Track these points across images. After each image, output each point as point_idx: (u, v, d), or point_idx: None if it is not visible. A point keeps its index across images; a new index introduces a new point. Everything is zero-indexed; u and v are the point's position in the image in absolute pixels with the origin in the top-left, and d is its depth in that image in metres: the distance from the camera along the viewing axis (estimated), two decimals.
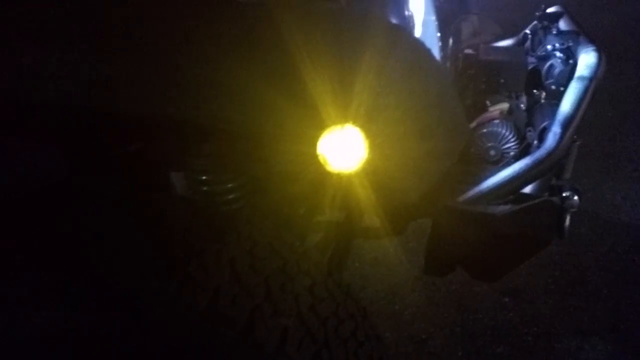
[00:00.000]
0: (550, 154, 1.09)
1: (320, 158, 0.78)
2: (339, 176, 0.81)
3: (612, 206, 2.78)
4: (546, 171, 1.12)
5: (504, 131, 1.44)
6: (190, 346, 0.84)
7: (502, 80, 1.59)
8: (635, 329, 2.16)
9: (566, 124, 1.13)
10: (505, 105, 1.53)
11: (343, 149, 0.77)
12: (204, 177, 1.33)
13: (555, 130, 1.13)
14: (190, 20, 0.77)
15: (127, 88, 0.87)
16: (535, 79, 1.57)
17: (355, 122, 0.74)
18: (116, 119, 1.10)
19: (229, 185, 1.34)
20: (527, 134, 1.47)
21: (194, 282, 0.87)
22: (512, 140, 1.44)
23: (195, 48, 0.77)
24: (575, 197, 1.27)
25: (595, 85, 1.19)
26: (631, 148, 3.18)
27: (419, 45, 0.87)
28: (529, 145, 1.45)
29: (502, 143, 1.43)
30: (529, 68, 1.61)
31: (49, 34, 0.81)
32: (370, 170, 0.80)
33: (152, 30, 0.79)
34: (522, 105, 1.56)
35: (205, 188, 1.36)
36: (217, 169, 1.29)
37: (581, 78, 1.22)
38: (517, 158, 1.45)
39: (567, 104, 1.17)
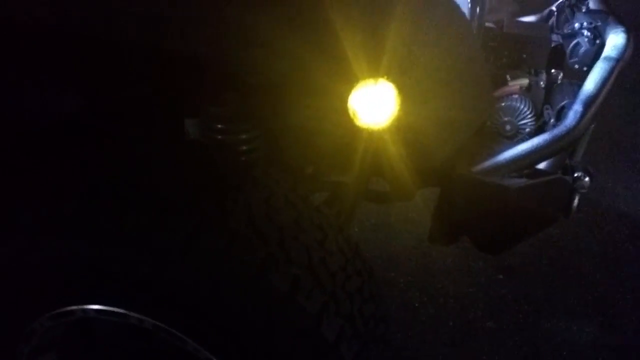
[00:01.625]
0: (570, 131, 1.09)
1: (351, 112, 0.78)
2: (368, 132, 0.81)
3: (613, 194, 2.80)
4: (564, 148, 1.12)
5: (521, 106, 1.43)
6: (204, 285, 0.86)
7: (524, 56, 1.57)
8: (624, 315, 2.21)
9: (588, 103, 1.12)
10: (525, 81, 1.52)
11: (375, 103, 0.76)
12: (220, 126, 1.32)
13: (576, 109, 1.12)
14: None
15: (149, 22, 0.85)
16: (558, 57, 1.55)
17: (388, 77, 0.73)
18: (133, 54, 1.08)
19: (245, 136, 1.33)
20: (544, 111, 1.46)
21: (211, 224, 0.88)
22: (529, 116, 1.43)
23: None
24: (587, 179, 1.28)
25: (621, 68, 1.18)
26: (637, 137, 3.18)
27: (451, 6, 0.86)
28: (545, 123, 1.45)
29: (518, 118, 1.42)
30: (553, 45, 1.59)
31: None
32: (400, 127, 0.80)
33: None
34: (541, 83, 1.54)
35: (219, 137, 1.35)
36: (235, 118, 1.28)
37: (608, 58, 1.21)
38: (532, 135, 1.45)
39: (591, 83, 1.17)
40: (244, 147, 1.33)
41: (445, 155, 0.91)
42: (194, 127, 1.43)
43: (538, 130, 1.45)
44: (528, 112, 1.44)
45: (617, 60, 1.19)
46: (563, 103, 1.35)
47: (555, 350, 2.06)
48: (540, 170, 1.18)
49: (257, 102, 1.09)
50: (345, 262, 1.00)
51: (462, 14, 0.86)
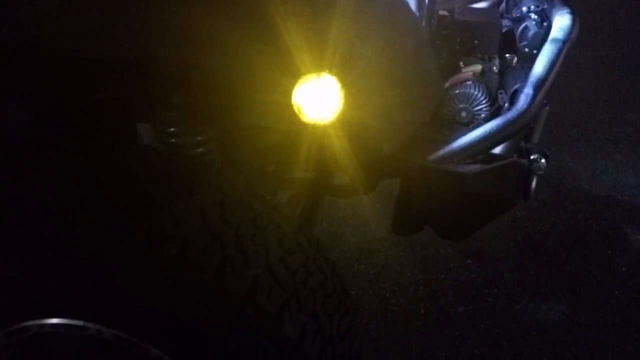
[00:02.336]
0: (521, 115, 1.11)
1: (295, 108, 0.76)
2: (313, 127, 0.80)
3: (574, 174, 2.86)
4: (517, 132, 1.14)
5: (476, 93, 1.44)
6: (160, 295, 0.84)
7: (476, 42, 1.58)
8: (591, 292, 2.26)
9: (538, 85, 1.14)
10: (478, 67, 1.53)
11: (318, 98, 0.75)
12: (172, 129, 1.30)
13: (527, 92, 1.14)
14: None
15: (93, 30, 0.83)
16: (509, 41, 1.57)
17: (331, 71, 0.73)
18: (80, 63, 1.05)
19: (199, 138, 1.31)
20: (498, 96, 1.48)
21: (163, 232, 0.85)
22: (484, 102, 1.45)
23: None
24: (543, 160, 1.30)
25: (568, 48, 1.20)
26: (597, 119, 3.26)
27: None
28: (500, 107, 1.46)
29: (473, 105, 1.44)
30: (503, 30, 1.61)
31: None
32: (345, 121, 0.79)
33: None
34: (494, 68, 1.56)
35: (173, 140, 1.33)
36: (186, 120, 1.26)
37: (555, 40, 1.23)
38: (488, 120, 1.46)
39: (539, 66, 1.18)
40: (199, 149, 1.32)
41: (393, 146, 0.91)
42: (147, 132, 1.40)
43: (494, 115, 1.46)
44: (482, 98, 1.45)
45: (564, 41, 1.21)
46: (515, 87, 1.36)
47: (525, 331, 2.10)
48: (495, 155, 1.19)
49: (207, 102, 1.08)
50: (306, 259, 0.99)
51: (408, 7, 0.86)
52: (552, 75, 1.15)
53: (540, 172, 1.30)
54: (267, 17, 0.71)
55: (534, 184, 1.31)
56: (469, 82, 1.46)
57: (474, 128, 1.32)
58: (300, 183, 1.39)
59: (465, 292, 2.26)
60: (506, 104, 1.43)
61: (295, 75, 0.72)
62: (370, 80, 0.78)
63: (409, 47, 0.84)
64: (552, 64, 1.16)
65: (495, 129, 1.10)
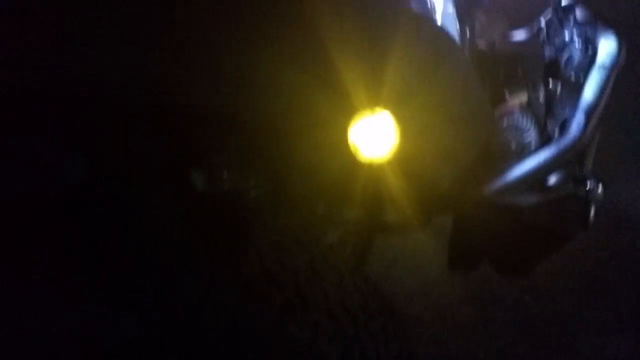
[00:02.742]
0: (575, 142, 1.08)
1: (351, 147, 0.77)
2: (369, 166, 0.80)
3: (629, 199, 2.74)
4: (571, 160, 1.10)
5: (524, 122, 1.42)
6: (223, 340, 0.83)
7: (520, 72, 1.57)
8: None
9: (589, 112, 1.11)
10: (524, 96, 1.51)
11: (374, 135, 0.75)
12: (225, 174, 1.32)
13: (579, 119, 1.11)
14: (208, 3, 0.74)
15: (147, 79, 0.84)
16: (553, 70, 1.55)
17: (387, 107, 0.73)
18: (134, 112, 1.08)
19: (251, 182, 1.32)
20: (548, 125, 1.45)
21: (223, 278, 0.86)
22: (533, 131, 1.42)
23: (213, 33, 0.74)
24: (600, 189, 1.25)
25: (617, 74, 1.17)
26: None
27: (443, 34, 0.86)
28: (550, 137, 1.43)
29: (523, 135, 1.41)
30: (547, 59, 1.59)
31: (68, 24, 0.79)
32: (401, 158, 0.78)
33: (167, 14, 0.77)
34: (540, 97, 1.54)
35: (226, 186, 1.34)
36: (239, 164, 1.27)
37: (602, 66, 1.21)
38: (536, 151, 1.43)
39: (589, 92, 1.16)
40: (252, 194, 1.32)
41: (449, 182, 0.90)
42: (199, 178, 1.42)
43: (544, 145, 1.43)
44: (531, 128, 1.43)
45: (611, 67, 1.19)
46: (565, 115, 1.33)
47: None
48: (551, 186, 1.15)
49: (260, 145, 1.09)
50: (365, 301, 0.97)
51: (454, 42, 0.86)
52: (603, 101, 1.12)
53: (598, 201, 1.26)
54: (321, 57, 0.72)
55: (592, 213, 1.26)
56: (517, 112, 1.44)
57: (525, 158, 1.29)
58: (350, 223, 1.38)
59: (525, 331, 2.16)
60: (556, 133, 1.40)
61: (350, 112, 0.73)
62: (424, 115, 0.78)
63: (459, 81, 0.84)
64: (602, 90, 1.14)
65: (549, 157, 1.08)
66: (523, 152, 1.43)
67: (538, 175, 1.07)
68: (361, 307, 0.95)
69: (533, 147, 1.43)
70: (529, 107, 1.53)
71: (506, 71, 1.60)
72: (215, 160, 1.29)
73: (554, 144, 1.09)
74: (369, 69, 0.71)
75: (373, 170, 0.83)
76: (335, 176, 0.97)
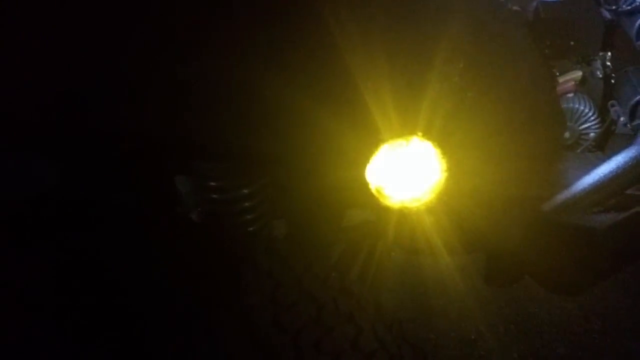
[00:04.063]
0: None
1: (372, 188, 0.52)
2: (401, 212, 0.55)
3: None
4: None
5: (581, 107, 1.16)
6: None
7: (572, 43, 1.29)
8: None
9: None
10: (578, 74, 1.24)
11: (407, 169, 0.51)
12: (212, 183, 1.10)
13: None
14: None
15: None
16: (615, 38, 1.27)
17: (425, 134, 0.48)
18: (110, 115, 0.87)
19: (244, 192, 1.10)
20: (610, 108, 1.18)
21: (202, 348, 0.63)
22: (592, 117, 1.16)
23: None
24: None
25: None
26: None
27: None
28: (614, 122, 1.17)
29: (579, 122, 1.15)
30: (606, 25, 1.30)
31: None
32: (446, 200, 0.54)
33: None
34: (598, 73, 1.26)
35: (215, 196, 1.12)
36: (230, 173, 1.05)
37: None
38: (598, 140, 1.17)
39: None
40: (245, 204, 1.10)
41: (522, 231, 0.65)
42: (185, 185, 1.20)
43: (606, 133, 1.17)
44: (590, 113, 1.16)
45: None
46: (638, 97, 1.06)
47: None
48: (628, 195, 0.90)
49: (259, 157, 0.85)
50: (390, 358, 0.75)
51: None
52: None
53: None
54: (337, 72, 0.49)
55: None
56: (571, 94, 1.18)
57: (588, 156, 1.04)
58: (361, 229, 1.14)
59: (563, 329, 1.93)
60: (622, 119, 1.14)
61: (373, 142, 0.48)
62: (481, 137, 0.53)
63: (525, 79, 0.58)
64: None
65: (631, 162, 0.81)
66: (579, 144, 1.17)
67: (614, 188, 0.82)
68: None
69: (592, 136, 1.17)
70: (583, 85, 1.26)
71: (554, 42, 1.32)
72: (203, 167, 1.08)
73: (636, 145, 0.83)
74: (403, 86, 0.46)
75: (404, 218, 0.58)
76: (354, 224, 0.74)
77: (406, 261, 2.05)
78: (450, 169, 0.52)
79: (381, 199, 0.54)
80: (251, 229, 1.00)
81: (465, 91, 0.50)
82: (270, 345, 0.65)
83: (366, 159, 0.51)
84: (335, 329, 0.70)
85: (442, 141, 0.50)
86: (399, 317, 0.84)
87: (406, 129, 0.48)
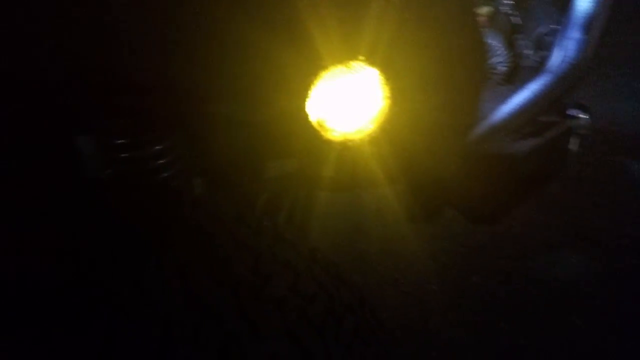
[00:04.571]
0: (575, 66, 0.85)
1: (314, 121, 0.49)
2: (342, 145, 0.52)
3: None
4: (572, 90, 0.88)
5: (491, 42, 1.18)
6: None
7: None
8: (602, 232, 2.10)
9: (588, 25, 0.88)
10: (487, 9, 1.26)
11: (350, 100, 0.47)
12: (120, 141, 1.00)
13: (575, 36, 0.88)
14: None
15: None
16: None
17: (369, 58, 0.45)
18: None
19: (157, 147, 1.02)
20: (516, 42, 1.22)
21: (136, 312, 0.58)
22: (503, 51, 1.19)
23: None
24: (585, 116, 1.06)
25: None
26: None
27: None
28: (520, 55, 1.21)
29: (491, 56, 1.17)
30: None
31: None
32: (388, 130, 0.51)
33: None
34: (505, 6, 1.29)
35: (123, 154, 1.03)
36: (137, 129, 0.96)
37: None
38: (508, 73, 1.21)
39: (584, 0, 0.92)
40: (159, 161, 1.02)
41: (449, 149, 0.65)
42: (88, 144, 1.09)
43: (515, 65, 1.21)
44: (501, 47, 1.19)
45: None
46: (542, 29, 1.10)
47: (548, 292, 1.93)
48: (540, 121, 0.94)
49: (174, 107, 0.78)
50: (331, 301, 0.74)
51: None
52: (604, 10, 0.88)
53: (584, 131, 1.07)
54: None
55: (576, 145, 1.08)
56: (482, 29, 1.20)
57: (501, 86, 1.07)
58: (282, 177, 1.11)
59: (477, 259, 2.06)
60: (529, 52, 1.18)
61: (312, 70, 0.44)
62: (420, 66, 0.50)
63: (454, 12, 0.56)
64: None
65: (543, 89, 0.85)
66: (491, 76, 1.20)
67: (530, 114, 0.85)
68: (327, 311, 0.72)
69: (504, 70, 1.20)
70: (492, 21, 1.29)
71: None
72: (107, 124, 0.97)
73: (547, 72, 0.86)
74: (341, 10, 0.42)
75: (347, 150, 0.56)
76: (292, 158, 0.70)
77: (333, 202, 2.08)
78: (393, 96, 0.50)
79: (323, 133, 0.51)
80: (172, 186, 0.94)
81: (403, 12, 0.47)
82: (209, 302, 0.61)
83: (306, 89, 0.47)
84: (273, 277, 0.68)
85: (385, 66, 0.47)
86: (334, 258, 0.83)
87: (348, 54, 0.45)
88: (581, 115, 1.05)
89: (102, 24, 0.51)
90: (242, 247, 0.69)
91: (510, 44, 1.23)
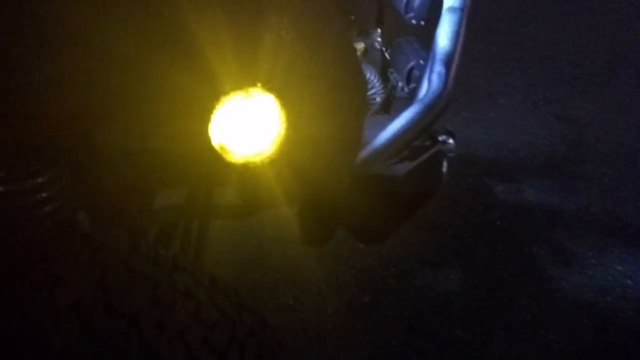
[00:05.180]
0: (440, 96, 0.96)
1: (216, 145, 0.51)
2: (244, 167, 0.55)
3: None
4: (438, 116, 0.99)
5: (368, 75, 1.29)
6: None
7: (353, 17, 1.42)
8: (475, 248, 2.31)
9: (449, 61, 1.01)
10: (361, 45, 1.38)
11: (250, 124, 0.51)
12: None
13: (439, 70, 1.00)
14: None
15: None
16: (388, 13, 1.44)
17: (266, 85, 0.48)
18: None
19: (39, 180, 0.96)
20: (389, 76, 1.34)
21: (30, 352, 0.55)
22: (377, 84, 1.30)
23: None
24: (451, 141, 1.19)
25: (468, 16, 1.09)
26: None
27: None
28: (394, 87, 1.33)
29: (367, 89, 1.28)
30: (378, 2, 1.47)
31: None
32: (286, 152, 0.55)
33: None
34: (376, 44, 1.42)
35: (1, 188, 0.96)
36: (19, 158, 0.90)
37: (452, 9, 1.11)
38: (383, 104, 1.32)
39: (443, 39, 1.05)
40: (40, 195, 0.97)
41: (342, 170, 0.70)
42: None
43: (388, 96, 1.32)
44: (375, 80, 1.30)
45: (462, 8, 1.09)
46: (411, 64, 1.23)
47: (433, 307, 2.07)
48: (414, 146, 1.04)
49: (61, 131, 0.74)
50: (234, 327, 0.75)
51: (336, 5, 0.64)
52: (459, 48, 1.02)
53: (451, 154, 1.20)
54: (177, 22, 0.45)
55: (445, 167, 1.20)
56: None
57: (376, 115, 1.17)
58: (173, 211, 1.10)
59: (366, 279, 2.16)
60: (400, 84, 1.30)
61: (215, 93, 0.47)
62: (313, 91, 0.55)
63: (338, 43, 0.63)
64: (457, 36, 1.04)
65: (416, 117, 0.95)
66: (368, 107, 1.30)
67: (407, 140, 0.94)
68: (231, 338, 0.73)
69: (378, 101, 1.31)
70: (365, 56, 1.41)
71: None
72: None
73: (418, 103, 0.96)
74: (241, 36, 0.46)
75: (247, 172, 0.58)
76: (184, 186, 0.70)
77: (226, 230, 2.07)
78: (289, 121, 0.54)
79: (225, 156, 0.53)
80: (55, 220, 0.89)
81: (294, 47, 0.52)
82: (108, 334, 0.60)
83: (208, 114, 0.49)
84: (174, 306, 0.68)
85: (282, 92, 0.51)
86: (233, 285, 0.84)
87: (247, 81, 0.48)
88: (449, 140, 1.18)
89: None
90: (140, 277, 0.68)
91: (383, 77, 1.35)
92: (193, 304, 0.71)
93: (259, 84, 0.49)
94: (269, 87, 0.50)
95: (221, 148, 0.53)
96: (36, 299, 0.56)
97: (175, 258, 0.78)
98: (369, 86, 1.28)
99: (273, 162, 0.57)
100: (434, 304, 2.07)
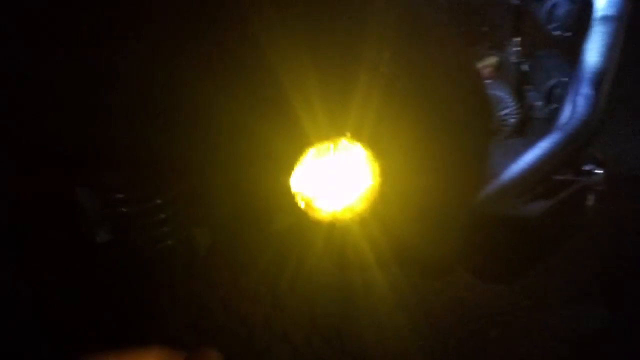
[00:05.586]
0: (587, 123, 0.82)
1: (298, 198, 0.46)
2: (332, 225, 0.49)
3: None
4: (583, 147, 0.84)
5: (500, 93, 1.15)
6: None
7: (484, 29, 1.29)
8: (623, 285, 2.01)
9: (598, 81, 0.85)
10: (493, 60, 1.24)
11: (337, 177, 0.45)
12: (120, 195, 0.99)
13: (586, 92, 0.85)
14: None
15: None
16: (525, 23, 1.28)
17: (355, 135, 0.42)
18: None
19: (157, 202, 1.00)
20: (525, 94, 1.19)
21: None
22: (511, 103, 1.16)
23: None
24: (601, 171, 1.02)
25: (625, 27, 0.91)
26: None
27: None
28: (531, 108, 1.18)
29: (499, 108, 1.15)
30: (515, 10, 1.32)
31: None
32: (379, 209, 0.48)
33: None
34: (512, 58, 1.27)
35: (124, 209, 1.01)
36: (140, 182, 0.95)
37: (605, 19, 0.94)
38: (518, 126, 1.18)
39: (593, 54, 0.89)
40: (161, 215, 1.00)
41: (457, 239, 0.61)
42: (88, 198, 1.08)
43: (525, 118, 1.18)
44: (509, 98, 1.17)
45: (618, 17, 0.92)
46: (552, 82, 1.07)
47: (569, 346, 1.83)
48: (556, 180, 0.90)
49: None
50: None
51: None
52: (613, 65, 0.85)
53: (599, 187, 1.02)
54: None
55: (592, 201, 1.03)
56: (489, 81, 1.18)
57: (511, 141, 1.03)
58: (288, 234, 1.07)
59: (494, 311, 1.98)
60: (540, 103, 1.15)
61: (298, 147, 0.42)
62: (414, 141, 0.48)
63: (454, 72, 0.54)
64: (610, 51, 0.87)
65: (556, 148, 0.81)
66: (501, 130, 1.17)
67: (542, 174, 0.81)
68: None
69: (513, 123, 1.17)
70: (499, 71, 1.27)
71: (467, 28, 1.32)
72: (106, 177, 0.96)
73: (559, 130, 0.82)
74: (327, 85, 0.40)
75: (335, 231, 0.52)
76: (278, 239, 0.67)
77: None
78: (382, 174, 0.47)
79: (310, 212, 0.48)
80: (169, 242, 0.91)
81: (394, 82, 0.45)
82: None
83: (291, 166, 0.44)
84: (270, 351, 0.63)
85: (373, 142, 0.45)
86: (337, 327, 0.78)
87: (333, 130, 0.42)
88: (597, 171, 1.01)
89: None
90: (236, 317, 0.65)
91: (519, 95, 1.21)
92: (289, 349, 0.66)
93: (347, 133, 0.42)
94: (359, 136, 0.43)
95: (306, 204, 0.47)
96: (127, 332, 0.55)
97: (276, 295, 0.74)
98: (502, 106, 1.15)
99: (364, 220, 0.49)
100: (570, 343, 1.83)
